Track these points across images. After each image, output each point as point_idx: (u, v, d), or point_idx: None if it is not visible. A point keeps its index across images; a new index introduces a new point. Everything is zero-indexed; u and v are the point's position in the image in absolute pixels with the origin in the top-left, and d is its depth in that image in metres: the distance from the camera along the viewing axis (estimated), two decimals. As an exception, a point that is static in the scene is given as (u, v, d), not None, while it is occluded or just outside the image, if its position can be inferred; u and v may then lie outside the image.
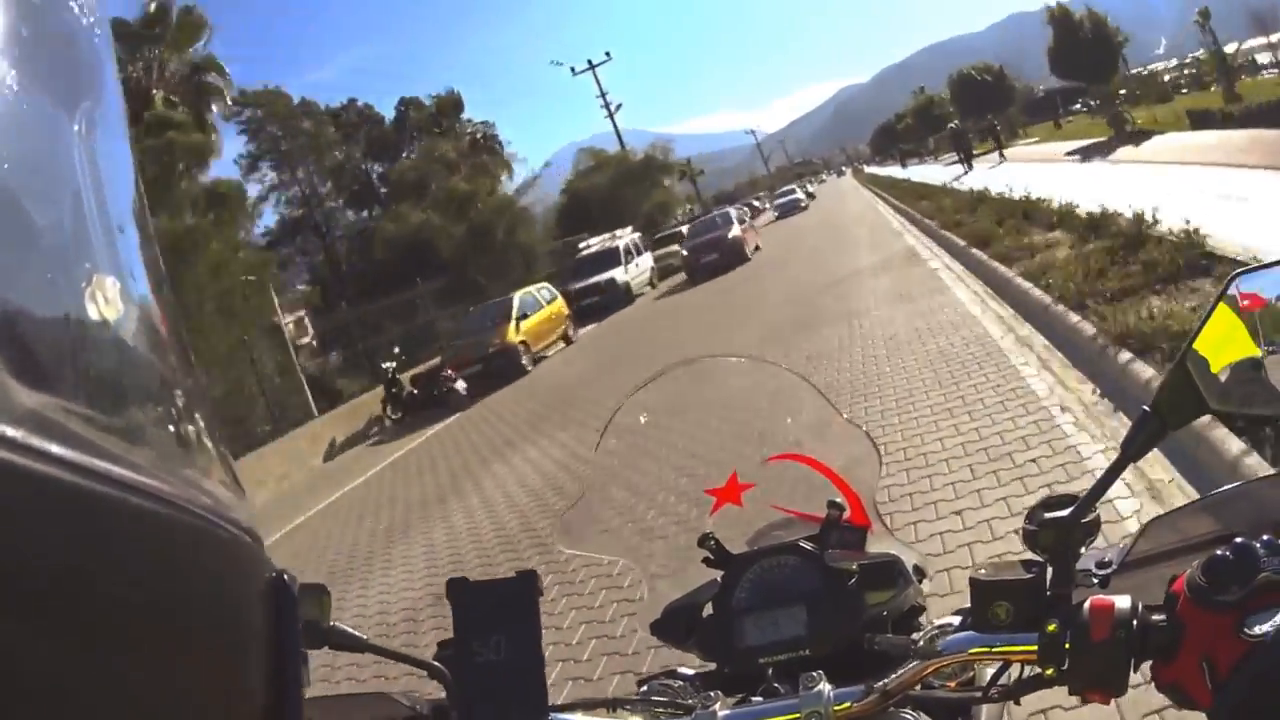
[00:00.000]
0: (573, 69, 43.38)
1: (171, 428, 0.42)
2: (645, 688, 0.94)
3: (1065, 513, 0.72)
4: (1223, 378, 0.70)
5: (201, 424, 0.44)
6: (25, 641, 0.29)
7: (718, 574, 0.99)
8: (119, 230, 0.40)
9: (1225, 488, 0.78)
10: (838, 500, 0.98)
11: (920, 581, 0.99)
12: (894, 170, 55.20)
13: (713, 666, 0.97)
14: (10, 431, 0.29)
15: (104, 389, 0.37)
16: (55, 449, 0.30)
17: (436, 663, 0.81)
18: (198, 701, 0.37)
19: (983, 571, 0.73)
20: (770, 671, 0.87)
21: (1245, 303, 0.70)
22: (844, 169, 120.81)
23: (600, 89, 41.94)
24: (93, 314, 0.37)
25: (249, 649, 0.43)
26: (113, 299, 0.38)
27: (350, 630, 0.73)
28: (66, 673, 0.30)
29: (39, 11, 0.37)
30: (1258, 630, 0.60)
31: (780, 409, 1.12)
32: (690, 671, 0.96)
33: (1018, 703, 0.77)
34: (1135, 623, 0.66)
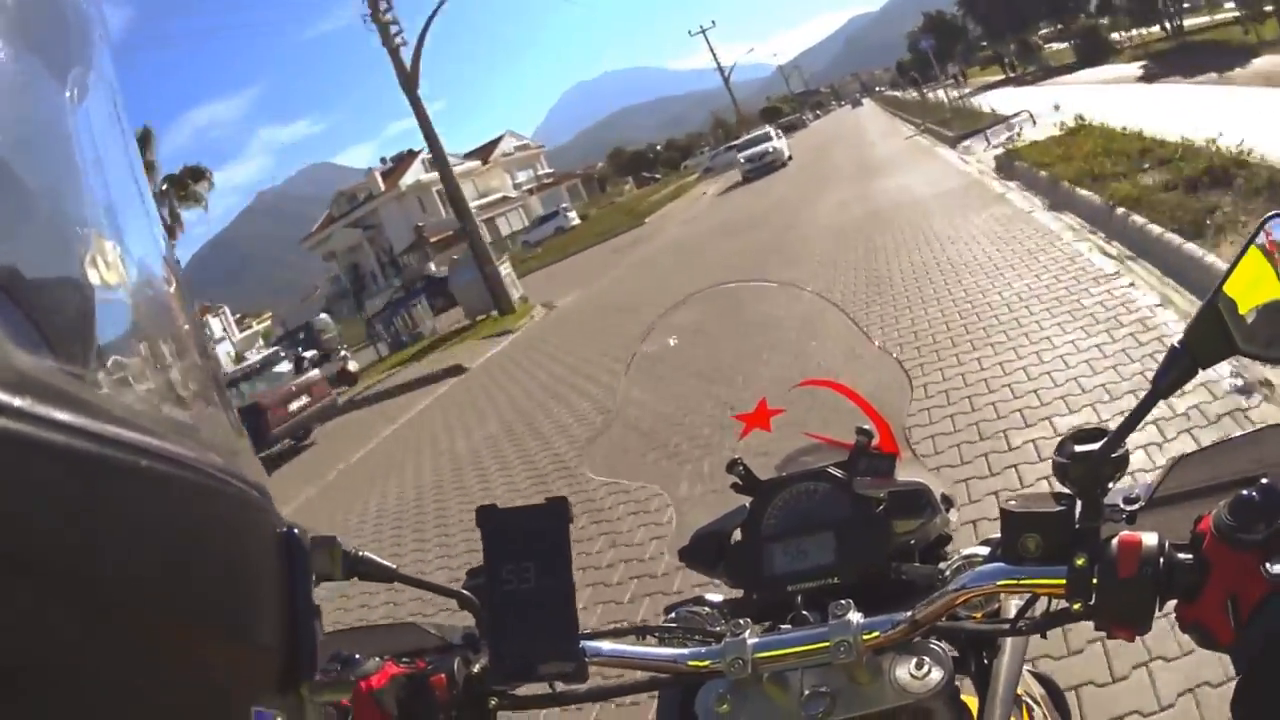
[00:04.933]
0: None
1: (176, 388, 0.41)
2: (673, 614, 0.94)
3: (1095, 447, 0.71)
4: (1250, 320, 0.68)
5: (206, 383, 0.44)
6: (37, 608, 0.28)
7: (746, 500, 0.98)
8: (116, 193, 0.40)
9: (1252, 429, 0.78)
10: (867, 427, 0.97)
11: (948, 510, 0.98)
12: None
13: (740, 593, 0.96)
14: (15, 400, 0.28)
15: (107, 352, 0.36)
16: (60, 415, 0.30)
17: (466, 591, 0.81)
18: (213, 658, 0.37)
19: (1013, 502, 0.73)
20: (799, 599, 0.87)
21: (1275, 247, 0.69)
22: (860, 99, 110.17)
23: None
24: (93, 278, 0.36)
25: (262, 604, 0.43)
26: (113, 262, 0.37)
27: (379, 560, 0.72)
28: (80, 637, 0.30)
29: None
30: (1278, 570, 0.60)
31: (811, 334, 1.10)
32: (718, 598, 0.96)
33: (1044, 636, 0.77)
34: (1162, 560, 0.66)
